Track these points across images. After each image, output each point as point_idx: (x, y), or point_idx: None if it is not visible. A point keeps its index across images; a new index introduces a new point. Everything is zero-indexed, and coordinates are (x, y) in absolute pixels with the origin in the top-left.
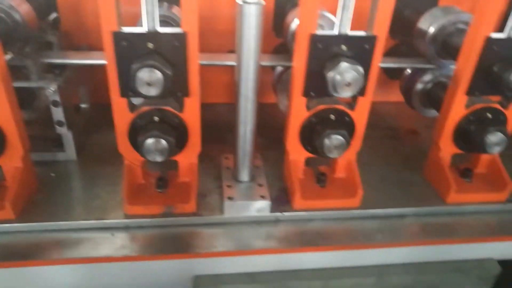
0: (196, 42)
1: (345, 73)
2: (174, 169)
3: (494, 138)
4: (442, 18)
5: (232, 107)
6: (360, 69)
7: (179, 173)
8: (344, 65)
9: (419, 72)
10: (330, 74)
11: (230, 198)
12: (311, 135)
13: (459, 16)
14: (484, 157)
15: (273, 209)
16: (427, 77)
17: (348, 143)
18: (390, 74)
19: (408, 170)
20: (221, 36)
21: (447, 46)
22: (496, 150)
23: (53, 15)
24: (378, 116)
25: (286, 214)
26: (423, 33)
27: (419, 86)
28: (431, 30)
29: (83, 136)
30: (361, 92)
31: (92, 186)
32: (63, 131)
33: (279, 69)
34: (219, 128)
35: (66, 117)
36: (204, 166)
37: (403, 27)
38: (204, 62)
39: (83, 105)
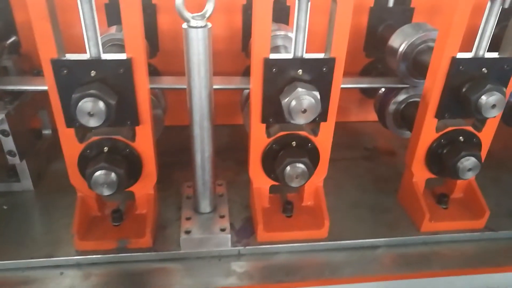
0: (144, 68)
1: (301, 99)
2: (133, 199)
3: (467, 163)
4: (412, 35)
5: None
6: (316, 94)
7: (135, 204)
8: (299, 90)
9: (393, 91)
10: (286, 100)
11: (187, 232)
12: (272, 162)
13: (429, 33)
14: (461, 182)
15: (235, 242)
16: (400, 96)
17: (311, 171)
18: (367, 93)
19: (383, 194)
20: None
21: (417, 64)
22: (469, 175)
23: (12, 38)
24: (355, 136)
25: (248, 248)
26: (394, 51)
27: (392, 106)
28: (402, 48)
29: (43, 164)
30: (322, 117)
31: (46, 218)
32: (16, 161)
33: (246, 91)
34: None
35: (22, 145)
36: (169, 194)
37: (377, 44)
38: (156, 86)
39: (45, 131)
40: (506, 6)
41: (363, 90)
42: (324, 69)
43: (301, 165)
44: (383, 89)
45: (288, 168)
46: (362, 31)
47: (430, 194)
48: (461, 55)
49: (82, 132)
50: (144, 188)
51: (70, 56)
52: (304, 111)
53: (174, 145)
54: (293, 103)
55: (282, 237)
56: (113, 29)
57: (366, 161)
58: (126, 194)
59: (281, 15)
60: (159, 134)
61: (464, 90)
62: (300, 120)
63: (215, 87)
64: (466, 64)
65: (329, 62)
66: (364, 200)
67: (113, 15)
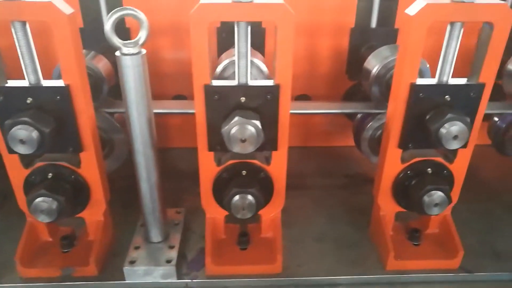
0: (84, 94)
1: (240, 128)
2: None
3: (433, 197)
4: (387, 58)
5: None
6: (257, 123)
7: (87, 230)
8: (238, 119)
9: (368, 116)
10: (225, 129)
11: (131, 263)
12: (222, 192)
13: None
14: (435, 216)
15: (184, 274)
16: (376, 123)
17: (259, 202)
18: (351, 117)
19: (354, 227)
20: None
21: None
22: (435, 211)
23: None
24: (337, 162)
25: (196, 281)
26: (368, 74)
27: (367, 132)
28: (374, 70)
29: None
30: (271, 146)
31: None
32: None
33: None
34: (174, 174)
35: None
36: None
37: (360, 67)
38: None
39: None
40: None
41: (347, 114)
42: (268, 96)
43: (248, 196)
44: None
45: (235, 198)
46: (344, 53)
47: (403, 228)
48: (421, 81)
49: (29, 157)
50: (94, 215)
51: (10, 83)
52: (244, 140)
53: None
54: (232, 131)
55: (232, 271)
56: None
57: (343, 190)
58: (81, 219)
59: (257, 38)
60: (122, 159)
61: (426, 119)
62: (239, 149)
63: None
64: (427, 91)
65: (273, 89)
66: (331, 233)
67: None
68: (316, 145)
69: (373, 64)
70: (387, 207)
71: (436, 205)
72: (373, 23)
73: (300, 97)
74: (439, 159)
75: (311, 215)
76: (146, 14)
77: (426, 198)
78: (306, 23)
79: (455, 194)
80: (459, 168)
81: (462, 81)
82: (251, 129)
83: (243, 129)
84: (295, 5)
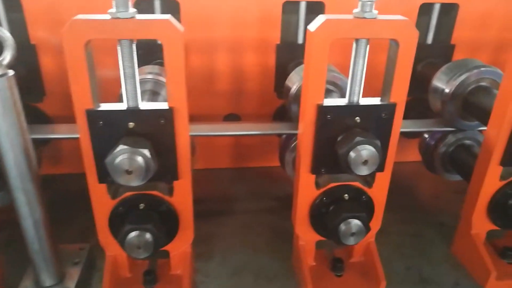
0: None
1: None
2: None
3: (350, 226)
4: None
5: None
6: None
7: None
8: None
9: (293, 136)
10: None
11: None
12: (117, 226)
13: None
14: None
15: None
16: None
17: (157, 240)
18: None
19: (277, 256)
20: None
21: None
22: (352, 241)
23: None
24: (267, 184)
25: None
26: (288, 91)
27: (291, 153)
28: (293, 89)
29: None
30: (171, 176)
31: None
32: None
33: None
34: (83, 203)
35: None
36: None
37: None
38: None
39: None
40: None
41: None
42: (162, 121)
43: (145, 233)
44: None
45: (129, 236)
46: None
47: (328, 257)
48: (329, 102)
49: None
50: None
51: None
52: (130, 171)
53: None
54: (116, 161)
55: None
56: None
57: (271, 214)
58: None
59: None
60: None
61: (336, 142)
62: (125, 181)
63: None
64: (335, 112)
65: (166, 113)
66: (252, 265)
67: None
68: (248, 166)
69: (293, 81)
70: (306, 236)
71: (352, 234)
72: (300, 39)
73: (228, 117)
74: (357, 184)
75: (233, 245)
76: None
77: (342, 227)
78: (230, 39)
79: (377, 219)
80: (378, 192)
81: (373, 101)
82: (138, 159)
83: (128, 159)
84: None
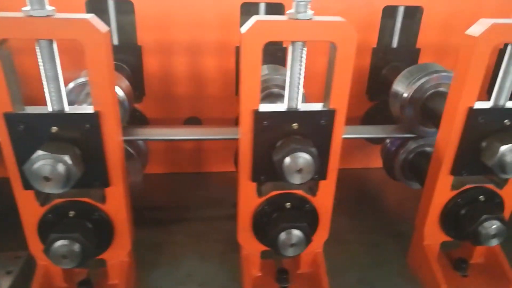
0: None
1: None
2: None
3: (290, 236)
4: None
5: None
6: None
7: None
8: None
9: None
10: None
11: None
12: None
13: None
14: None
15: None
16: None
17: (85, 250)
18: None
19: (224, 266)
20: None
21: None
22: (290, 253)
23: None
24: (228, 190)
25: None
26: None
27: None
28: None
29: None
30: (102, 183)
31: None
32: None
33: None
34: None
35: None
36: None
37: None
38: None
39: None
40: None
41: None
42: (87, 126)
43: (72, 243)
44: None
45: (55, 244)
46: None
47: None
48: (265, 108)
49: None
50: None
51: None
52: (49, 179)
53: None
54: (34, 167)
55: None
56: None
57: (228, 221)
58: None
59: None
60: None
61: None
62: (46, 190)
63: None
64: (272, 118)
65: (92, 118)
66: (198, 276)
67: None
68: (210, 171)
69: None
70: (249, 245)
71: (292, 245)
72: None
73: (189, 120)
74: (300, 192)
75: (182, 254)
76: None
77: (281, 237)
78: (188, 40)
79: (324, 229)
80: (323, 201)
81: (313, 107)
82: (57, 165)
83: (46, 166)
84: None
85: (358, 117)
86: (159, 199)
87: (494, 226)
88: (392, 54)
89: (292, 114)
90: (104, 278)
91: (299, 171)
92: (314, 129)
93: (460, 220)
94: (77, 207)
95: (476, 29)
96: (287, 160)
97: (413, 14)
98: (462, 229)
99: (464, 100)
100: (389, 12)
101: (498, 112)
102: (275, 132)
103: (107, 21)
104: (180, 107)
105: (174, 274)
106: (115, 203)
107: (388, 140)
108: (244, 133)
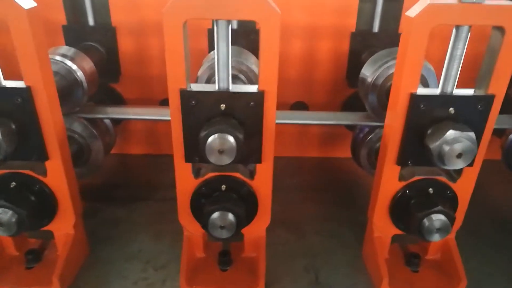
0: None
1: None
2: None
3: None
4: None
5: None
6: None
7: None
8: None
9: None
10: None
11: None
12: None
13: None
14: None
15: None
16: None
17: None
18: None
19: (173, 245)
20: None
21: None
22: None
23: None
24: None
25: None
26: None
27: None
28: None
29: None
30: None
31: None
32: None
33: None
34: None
35: None
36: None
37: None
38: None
39: None
40: None
41: None
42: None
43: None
44: None
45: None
46: None
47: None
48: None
49: None
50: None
51: None
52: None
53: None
54: None
55: None
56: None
57: None
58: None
59: None
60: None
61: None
62: None
63: None
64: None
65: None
66: (144, 252)
67: None
68: None
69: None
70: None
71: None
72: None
73: (164, 102)
74: (238, 175)
75: (136, 233)
76: None
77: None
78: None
79: (264, 213)
80: (261, 186)
81: (243, 88)
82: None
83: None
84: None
85: (338, 104)
86: (128, 178)
87: (437, 220)
88: (372, 39)
89: (221, 95)
90: (52, 249)
91: (221, 152)
92: (244, 111)
93: (407, 212)
94: (19, 179)
95: (414, 10)
96: (209, 140)
97: None
98: (408, 222)
99: (405, 85)
100: None
101: (442, 99)
102: (203, 113)
103: (82, 2)
104: (156, 88)
105: (125, 250)
106: (56, 176)
107: (357, 128)
108: (172, 113)
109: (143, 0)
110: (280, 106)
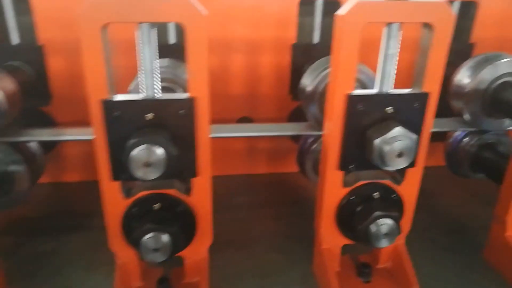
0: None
1: None
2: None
3: None
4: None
5: None
6: None
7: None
8: None
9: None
10: None
11: None
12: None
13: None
14: None
15: None
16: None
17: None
18: None
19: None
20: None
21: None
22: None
23: None
24: None
25: None
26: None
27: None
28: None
29: None
30: None
31: None
32: None
33: None
34: None
35: None
36: None
37: None
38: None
39: None
40: None
41: None
42: None
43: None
44: None
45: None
46: None
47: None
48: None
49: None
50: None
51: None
52: None
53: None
54: None
55: None
56: None
57: None
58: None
59: None
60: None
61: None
62: None
63: None
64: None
65: None
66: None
67: None
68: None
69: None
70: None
71: (156, 250)
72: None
73: None
74: (173, 192)
75: (68, 263)
76: None
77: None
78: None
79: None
80: (200, 202)
81: (171, 96)
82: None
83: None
84: None
85: (284, 118)
86: (63, 207)
87: (384, 225)
88: (313, 50)
89: (148, 103)
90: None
91: (148, 165)
92: (174, 120)
93: (352, 219)
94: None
95: (344, 9)
96: (134, 153)
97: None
98: (355, 230)
99: (340, 86)
100: (306, 8)
101: (379, 98)
102: (129, 124)
103: (3, 19)
104: None
105: (50, 284)
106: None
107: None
108: (95, 127)
109: (73, 16)
110: (226, 122)
